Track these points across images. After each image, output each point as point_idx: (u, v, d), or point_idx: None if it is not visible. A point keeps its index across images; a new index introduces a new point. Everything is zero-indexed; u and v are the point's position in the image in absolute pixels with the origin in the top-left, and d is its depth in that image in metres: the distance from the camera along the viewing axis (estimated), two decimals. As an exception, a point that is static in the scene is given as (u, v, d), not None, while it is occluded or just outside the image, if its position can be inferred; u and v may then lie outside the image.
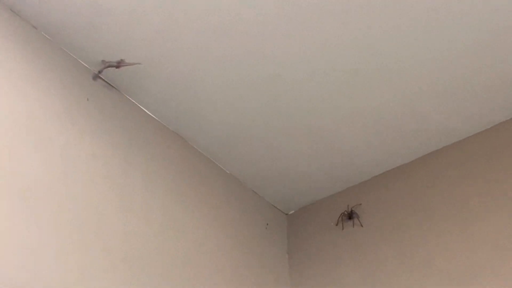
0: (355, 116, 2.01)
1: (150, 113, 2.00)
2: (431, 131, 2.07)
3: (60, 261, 1.53)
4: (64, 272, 1.52)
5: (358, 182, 2.29)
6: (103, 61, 1.83)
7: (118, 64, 1.81)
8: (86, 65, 1.84)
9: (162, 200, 1.89)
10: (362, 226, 2.19)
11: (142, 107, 1.99)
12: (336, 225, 2.26)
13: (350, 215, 2.20)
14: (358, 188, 2.28)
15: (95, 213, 1.65)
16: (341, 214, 2.24)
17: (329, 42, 1.76)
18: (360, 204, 2.23)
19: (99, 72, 1.84)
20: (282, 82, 1.90)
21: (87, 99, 1.78)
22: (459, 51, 1.80)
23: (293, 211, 2.43)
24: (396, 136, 2.08)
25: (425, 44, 1.78)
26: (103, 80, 1.87)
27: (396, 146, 2.11)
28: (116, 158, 1.79)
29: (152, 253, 1.76)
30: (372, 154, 2.17)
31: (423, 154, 2.16)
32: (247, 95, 1.94)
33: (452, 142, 2.11)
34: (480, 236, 1.90)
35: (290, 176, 2.28)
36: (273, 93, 1.94)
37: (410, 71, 1.85)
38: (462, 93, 1.92)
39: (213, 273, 1.95)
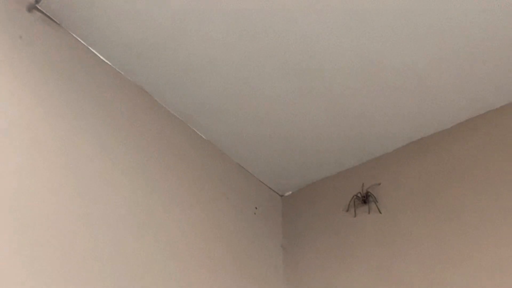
0: (376, 73, 1.89)
1: (103, 58, 1.89)
2: (476, 91, 1.93)
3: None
4: None
5: (376, 155, 2.17)
6: (41, -16, 1.69)
7: (63, -11, 1.69)
8: (17, -10, 1.70)
9: (121, 169, 1.81)
10: (380, 212, 2.08)
11: (92, 50, 1.87)
12: (347, 211, 2.15)
13: (365, 198, 2.10)
14: (376, 164, 2.17)
15: (34, 195, 1.55)
16: (353, 197, 2.13)
17: None
18: (379, 183, 2.12)
19: (36, 1, 1.73)
20: (282, 27, 1.77)
21: (20, 37, 1.67)
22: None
23: (290, 193, 2.36)
24: (431, 97, 1.95)
25: None
26: (41, 12, 1.76)
27: (429, 111, 1.99)
28: (59, 116, 1.69)
29: (114, 252, 1.67)
30: (395, 119, 2.03)
31: (463, 120, 2.03)
32: (232, 38, 1.80)
33: (502, 104, 1.96)
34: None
35: (286, 148, 2.16)
36: (268, 42, 1.80)
37: (453, 26, 1.75)
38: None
39: (188, 270, 1.87)
